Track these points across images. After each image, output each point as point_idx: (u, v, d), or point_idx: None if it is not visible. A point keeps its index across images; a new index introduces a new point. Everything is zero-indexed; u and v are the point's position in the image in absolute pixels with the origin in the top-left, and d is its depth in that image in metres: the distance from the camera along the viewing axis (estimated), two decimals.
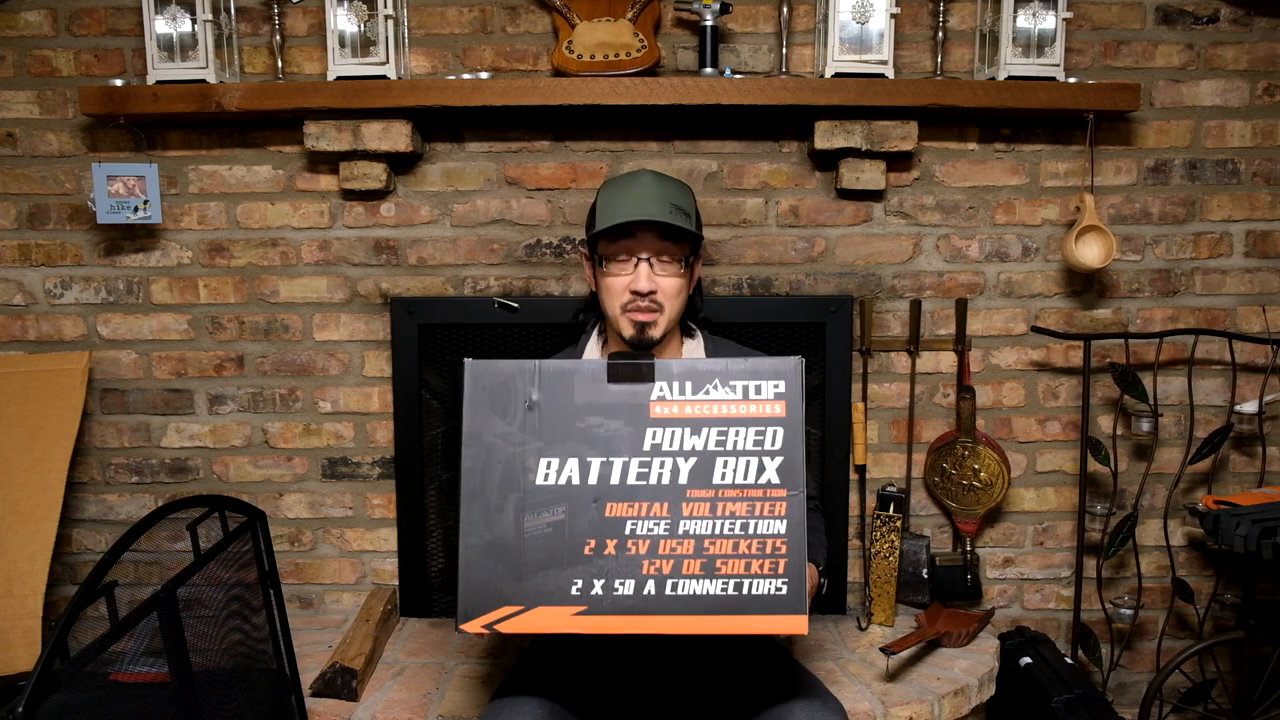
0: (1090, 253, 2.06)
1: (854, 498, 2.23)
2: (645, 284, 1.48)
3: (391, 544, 2.24)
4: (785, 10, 2.05)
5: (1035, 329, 2.17)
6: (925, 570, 2.17)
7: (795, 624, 1.16)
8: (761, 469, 1.19)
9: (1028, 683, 1.96)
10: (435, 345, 2.16)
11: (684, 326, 1.66)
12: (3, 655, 1.75)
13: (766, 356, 1.30)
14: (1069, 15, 2.01)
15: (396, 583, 2.24)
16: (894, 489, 2.15)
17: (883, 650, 1.85)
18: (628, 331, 1.52)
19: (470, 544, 1.19)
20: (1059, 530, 2.27)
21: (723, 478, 1.20)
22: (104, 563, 1.22)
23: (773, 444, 1.20)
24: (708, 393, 1.21)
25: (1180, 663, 1.98)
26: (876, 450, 2.23)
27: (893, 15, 1.98)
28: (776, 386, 1.21)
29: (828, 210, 2.16)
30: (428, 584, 2.22)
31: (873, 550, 2.12)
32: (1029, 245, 2.18)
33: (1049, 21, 2.02)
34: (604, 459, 1.20)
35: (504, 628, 1.18)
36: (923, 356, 2.20)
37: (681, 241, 1.52)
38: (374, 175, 2.06)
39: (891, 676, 1.89)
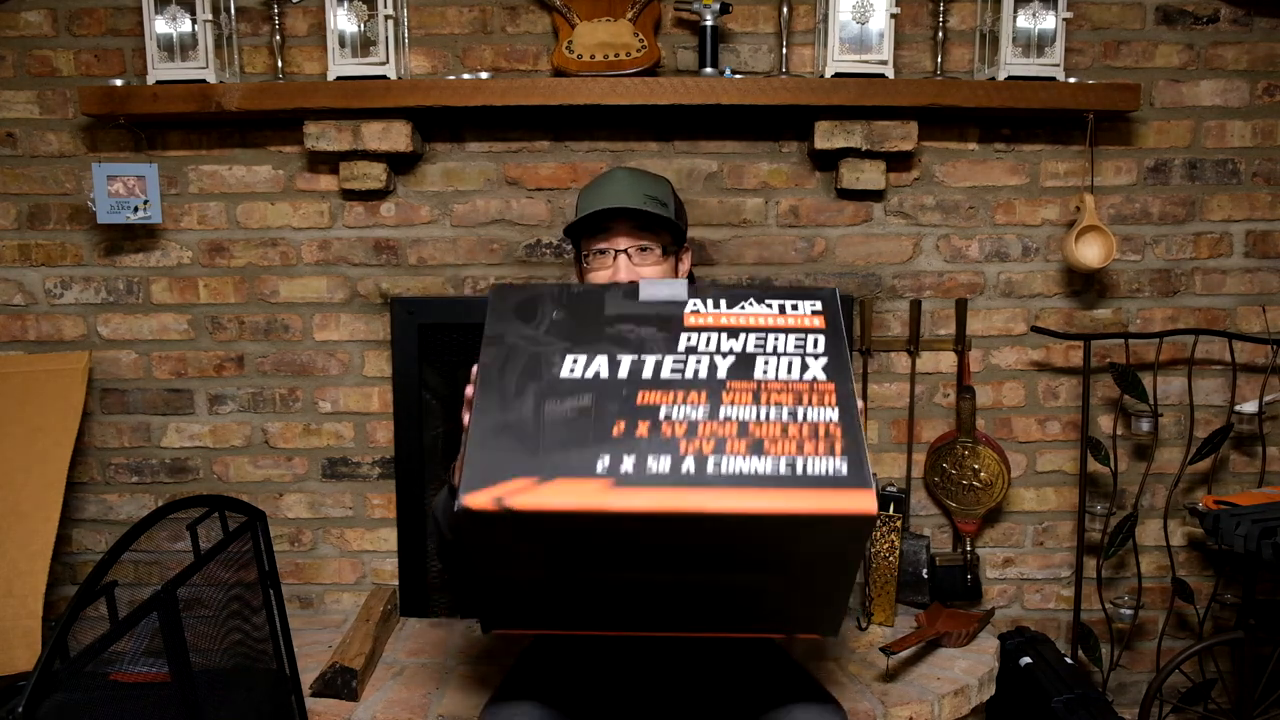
0: (1090, 253, 2.06)
1: None
2: (625, 275, 1.48)
3: (391, 544, 2.24)
4: (785, 10, 2.05)
5: (1035, 329, 2.17)
6: (925, 570, 2.17)
7: (862, 501, 0.97)
8: (805, 367, 1.11)
9: (1028, 683, 1.96)
10: (435, 345, 2.16)
11: None
12: (3, 655, 1.75)
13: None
14: (1069, 15, 2.01)
15: (396, 583, 2.24)
16: (894, 489, 2.15)
17: (883, 650, 1.85)
18: None
19: (482, 425, 1.02)
20: (1059, 530, 2.27)
21: (764, 374, 1.09)
22: (104, 563, 1.22)
23: (815, 348, 1.12)
24: (743, 308, 1.15)
25: (1180, 663, 1.98)
26: (876, 450, 2.23)
27: (893, 15, 1.98)
28: (814, 305, 1.16)
29: (828, 210, 2.16)
30: (428, 584, 2.22)
31: (873, 550, 2.12)
32: (1029, 245, 2.18)
33: (1049, 21, 2.02)
34: (635, 356, 1.10)
35: (517, 503, 0.97)
36: (923, 356, 2.20)
37: (660, 231, 1.51)
38: (374, 175, 2.06)
39: (891, 676, 1.89)
